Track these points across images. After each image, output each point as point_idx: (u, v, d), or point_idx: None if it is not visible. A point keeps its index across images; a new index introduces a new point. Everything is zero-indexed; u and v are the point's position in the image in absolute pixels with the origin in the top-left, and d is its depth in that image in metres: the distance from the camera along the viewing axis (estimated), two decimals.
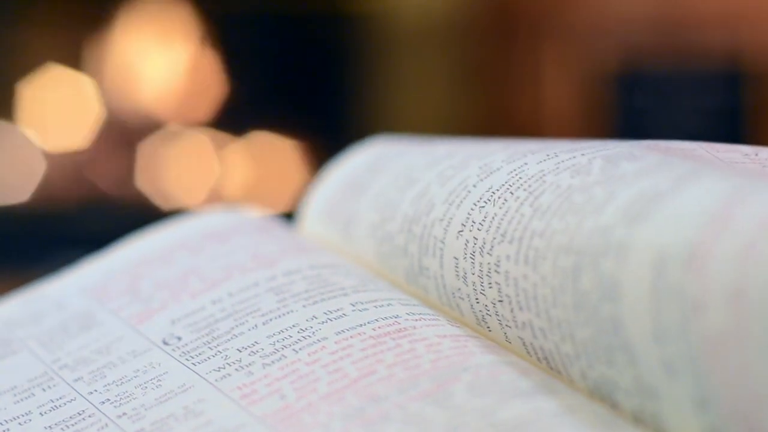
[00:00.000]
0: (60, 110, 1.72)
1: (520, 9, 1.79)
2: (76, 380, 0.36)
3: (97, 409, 0.34)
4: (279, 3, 1.79)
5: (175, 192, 1.73)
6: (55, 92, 1.72)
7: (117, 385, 0.35)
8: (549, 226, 0.30)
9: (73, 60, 1.72)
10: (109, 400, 0.35)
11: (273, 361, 0.34)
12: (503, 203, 0.32)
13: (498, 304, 0.32)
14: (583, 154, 0.32)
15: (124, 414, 0.34)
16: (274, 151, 1.76)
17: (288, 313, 0.36)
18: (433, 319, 0.35)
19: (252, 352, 0.35)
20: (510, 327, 0.32)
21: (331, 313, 0.36)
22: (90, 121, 1.71)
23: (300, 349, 0.34)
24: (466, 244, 0.33)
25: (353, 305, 0.36)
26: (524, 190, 0.32)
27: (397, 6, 1.75)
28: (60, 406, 0.35)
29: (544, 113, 1.77)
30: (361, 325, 0.35)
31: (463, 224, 0.33)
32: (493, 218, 0.32)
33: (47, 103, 1.72)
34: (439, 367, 0.32)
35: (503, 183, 0.32)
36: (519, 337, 0.32)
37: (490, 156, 0.34)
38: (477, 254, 0.32)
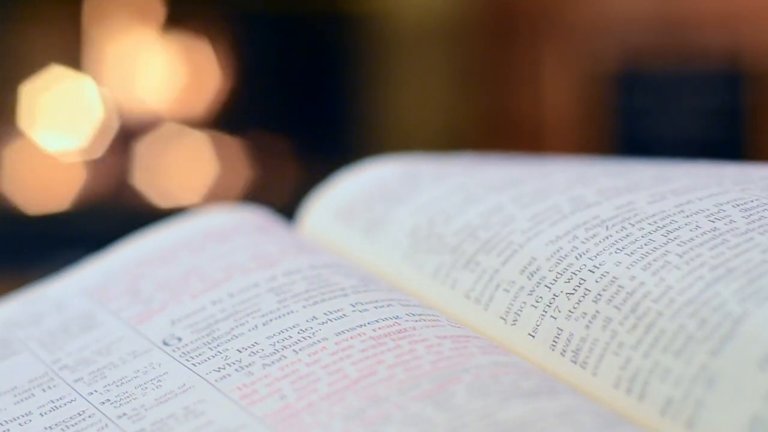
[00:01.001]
0: (61, 111, 1.72)
1: (520, 9, 1.79)
2: (76, 381, 0.36)
3: (98, 409, 0.34)
4: (279, 2, 1.79)
5: (174, 191, 1.73)
6: (57, 93, 1.72)
7: (117, 386, 0.35)
8: (691, 250, 0.34)
9: (74, 60, 1.72)
10: (109, 400, 0.35)
11: (273, 362, 0.34)
12: (621, 229, 0.36)
13: (561, 296, 0.35)
14: (700, 199, 0.37)
15: (125, 414, 0.34)
16: (272, 151, 1.76)
17: (288, 313, 0.36)
18: (434, 320, 0.35)
19: (252, 352, 0.35)
20: (554, 318, 0.34)
21: (332, 313, 0.36)
22: (91, 121, 1.71)
23: (300, 349, 0.34)
24: (558, 250, 0.36)
25: (353, 306, 0.36)
26: (649, 224, 0.36)
27: (397, 6, 1.75)
28: (60, 406, 0.35)
29: (544, 113, 1.76)
30: (361, 326, 0.35)
31: (559, 237, 0.37)
32: (606, 238, 0.36)
33: (48, 103, 1.72)
34: (439, 368, 0.32)
35: (614, 216, 0.37)
36: (558, 327, 0.34)
37: (570, 190, 0.40)
38: (569, 257, 0.36)
